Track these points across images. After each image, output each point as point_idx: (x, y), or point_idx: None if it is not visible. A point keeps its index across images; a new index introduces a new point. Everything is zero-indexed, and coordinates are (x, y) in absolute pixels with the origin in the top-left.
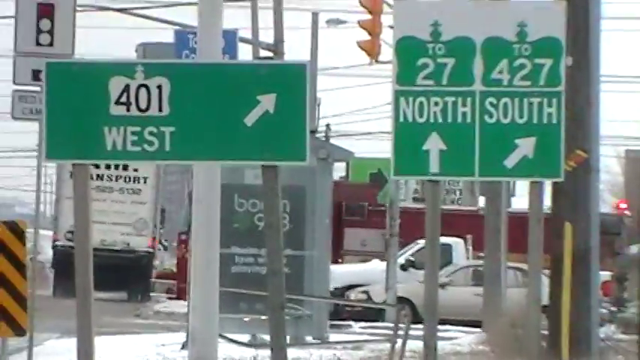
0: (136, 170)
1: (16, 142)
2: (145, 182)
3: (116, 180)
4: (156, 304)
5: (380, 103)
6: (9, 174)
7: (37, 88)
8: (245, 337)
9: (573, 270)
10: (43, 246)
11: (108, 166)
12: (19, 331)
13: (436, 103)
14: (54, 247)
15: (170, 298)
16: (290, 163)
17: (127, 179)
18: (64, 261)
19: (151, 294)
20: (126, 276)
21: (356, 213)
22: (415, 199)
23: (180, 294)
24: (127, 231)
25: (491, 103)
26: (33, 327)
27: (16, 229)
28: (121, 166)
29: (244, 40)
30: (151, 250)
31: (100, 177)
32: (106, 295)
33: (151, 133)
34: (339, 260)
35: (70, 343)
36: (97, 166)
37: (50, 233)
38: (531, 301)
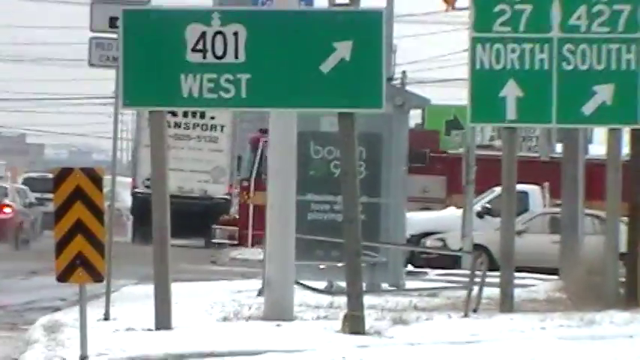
0: (212, 118)
1: (93, 89)
2: (221, 130)
3: (193, 128)
4: (232, 250)
5: (457, 50)
6: (86, 121)
7: (114, 35)
8: (321, 284)
9: None
10: (120, 193)
11: (185, 114)
12: (97, 277)
13: (513, 50)
14: (132, 194)
15: (232, 245)
16: (366, 111)
17: (204, 127)
18: (142, 208)
19: (212, 240)
20: (203, 223)
21: (417, 159)
22: (481, 147)
23: (242, 241)
24: (204, 178)
25: (569, 50)
26: (110, 273)
27: (93, 176)
28: (198, 114)
29: None
30: (227, 197)
31: (177, 125)
32: (183, 241)
33: (227, 80)
34: None
35: (148, 289)
36: (175, 114)
37: (127, 180)
38: (609, 249)
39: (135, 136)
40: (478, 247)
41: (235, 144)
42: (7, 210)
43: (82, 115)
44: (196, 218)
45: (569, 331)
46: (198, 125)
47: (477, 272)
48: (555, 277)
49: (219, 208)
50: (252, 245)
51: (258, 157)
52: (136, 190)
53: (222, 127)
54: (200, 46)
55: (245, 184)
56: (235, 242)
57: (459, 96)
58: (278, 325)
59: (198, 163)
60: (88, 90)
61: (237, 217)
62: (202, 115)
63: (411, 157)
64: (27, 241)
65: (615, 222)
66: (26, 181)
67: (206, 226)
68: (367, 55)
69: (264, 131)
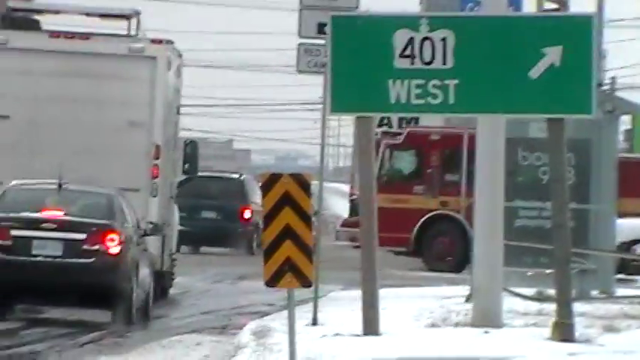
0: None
1: (300, 95)
2: None
3: None
4: None
5: None
6: (292, 127)
7: (322, 42)
8: (529, 291)
9: None
10: (326, 198)
11: (400, 127)
12: (305, 282)
13: None
14: (351, 200)
15: (355, 247)
16: (576, 116)
17: None
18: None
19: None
20: None
21: None
22: None
23: None
24: None
25: None
26: (318, 278)
27: (301, 182)
28: (412, 125)
29: None
30: None
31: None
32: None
33: (434, 86)
34: None
35: (355, 295)
36: (390, 126)
37: (334, 186)
38: None
39: (354, 143)
40: None
41: None
42: (246, 215)
43: (288, 120)
44: None
45: None
46: None
47: None
48: None
49: None
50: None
51: (379, 161)
52: (354, 196)
53: None
54: (408, 52)
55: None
56: (357, 244)
57: None
58: (486, 332)
59: None
60: (295, 96)
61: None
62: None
63: None
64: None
65: None
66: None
67: None
68: (577, 60)
69: (386, 134)
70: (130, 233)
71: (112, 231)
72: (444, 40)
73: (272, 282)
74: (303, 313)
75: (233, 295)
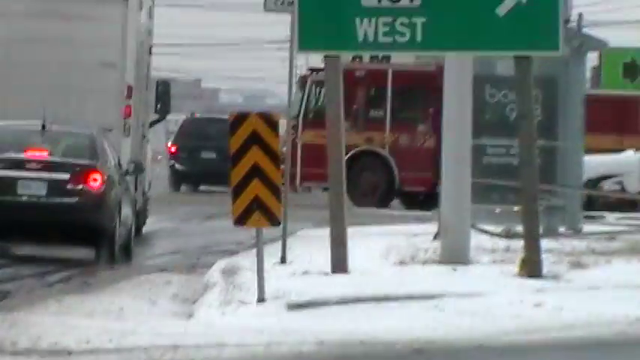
0: None
1: (267, 33)
2: None
3: None
4: None
5: None
6: (260, 66)
7: None
8: (497, 228)
9: None
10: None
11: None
12: (274, 221)
13: None
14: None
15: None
16: (543, 54)
17: None
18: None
19: None
20: None
21: None
22: None
23: (291, 180)
24: None
25: None
26: (287, 217)
27: (269, 120)
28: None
29: None
30: None
31: None
32: None
33: (402, 24)
34: None
35: (323, 233)
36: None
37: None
38: None
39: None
40: None
41: None
42: None
43: (257, 60)
44: None
45: None
46: None
47: None
48: None
49: None
50: (301, 184)
51: (305, 96)
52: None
53: None
54: None
55: (293, 122)
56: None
57: (637, 38)
58: (454, 269)
59: None
60: (263, 35)
61: None
62: None
63: None
64: None
65: None
66: None
67: None
68: None
69: (313, 70)
70: (113, 173)
71: (95, 171)
72: None
73: (240, 221)
74: (272, 252)
75: (202, 234)
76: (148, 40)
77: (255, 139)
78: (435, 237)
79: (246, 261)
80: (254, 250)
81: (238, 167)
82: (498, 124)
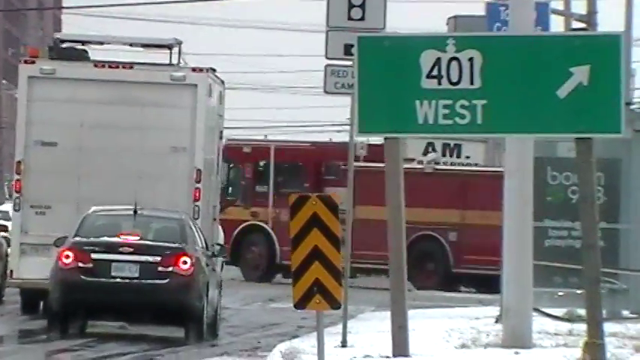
0: (468, 157)
1: (327, 116)
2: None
3: (450, 166)
4: None
5: None
6: None
7: (349, 63)
8: (559, 311)
9: None
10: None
11: (444, 154)
12: (334, 304)
13: None
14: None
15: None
16: (604, 135)
17: (461, 166)
18: None
19: None
20: None
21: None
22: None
23: None
24: None
25: None
26: (347, 300)
27: (329, 203)
28: (455, 154)
29: (556, 12)
30: None
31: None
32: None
33: (462, 106)
34: None
35: (384, 316)
36: (435, 151)
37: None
38: None
39: None
40: None
41: None
42: None
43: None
44: None
45: None
46: (454, 164)
47: None
48: None
49: None
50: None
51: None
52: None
53: (476, 165)
54: (435, 72)
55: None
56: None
57: None
58: (517, 353)
59: None
60: (322, 117)
61: None
62: (459, 155)
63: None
64: None
65: None
66: None
67: None
68: (605, 79)
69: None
70: (200, 255)
71: (185, 254)
72: (471, 60)
73: (301, 304)
74: (333, 335)
75: (263, 316)
76: (218, 125)
77: (315, 221)
78: (497, 320)
79: (306, 344)
80: (314, 333)
81: (299, 250)
82: (560, 207)
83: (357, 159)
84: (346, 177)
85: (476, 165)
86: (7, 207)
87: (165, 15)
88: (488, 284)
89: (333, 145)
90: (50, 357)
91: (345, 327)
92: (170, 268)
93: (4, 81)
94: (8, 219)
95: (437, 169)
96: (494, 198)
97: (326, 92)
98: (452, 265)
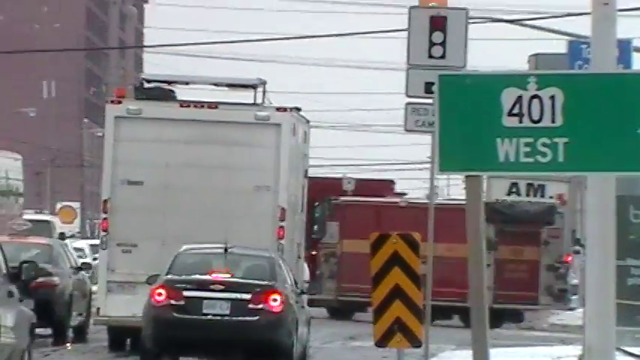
0: (551, 197)
1: (408, 154)
2: None
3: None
4: (550, 316)
5: None
6: (402, 187)
7: (429, 101)
8: None
9: None
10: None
11: (528, 194)
12: (415, 342)
13: None
14: None
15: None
16: None
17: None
18: None
19: None
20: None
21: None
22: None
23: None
24: None
25: None
26: (428, 338)
27: (410, 241)
28: (539, 194)
29: (639, 50)
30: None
31: None
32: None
33: (543, 145)
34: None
35: (465, 354)
36: (518, 194)
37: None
38: None
39: None
40: None
41: (572, 219)
42: None
43: (398, 180)
44: None
45: None
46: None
47: None
48: None
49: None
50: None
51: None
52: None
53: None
54: (516, 110)
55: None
56: None
57: None
58: None
59: None
60: (404, 156)
61: None
62: (542, 195)
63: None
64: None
65: None
66: None
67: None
68: None
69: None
70: (290, 292)
71: (275, 291)
72: (552, 98)
73: (382, 342)
74: None
75: (345, 354)
76: (302, 164)
77: (396, 260)
78: (580, 359)
79: None
80: None
81: (380, 288)
82: None
83: (344, 193)
84: (335, 211)
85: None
86: (82, 243)
87: (249, 54)
88: (462, 315)
89: (322, 180)
90: None
91: None
92: (260, 306)
93: (85, 120)
94: (83, 256)
95: (410, 203)
96: (459, 230)
97: (407, 130)
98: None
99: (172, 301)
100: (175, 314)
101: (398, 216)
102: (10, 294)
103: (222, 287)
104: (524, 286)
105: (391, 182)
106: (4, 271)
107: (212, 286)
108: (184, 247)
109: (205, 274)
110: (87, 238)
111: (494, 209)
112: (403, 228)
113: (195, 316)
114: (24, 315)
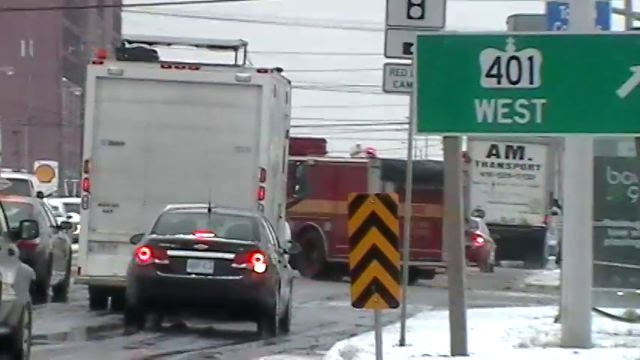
0: (530, 159)
1: (386, 115)
2: (537, 169)
3: (514, 168)
4: (527, 277)
5: None
6: (379, 147)
7: (408, 62)
8: (619, 311)
9: None
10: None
11: (507, 156)
12: (393, 303)
13: None
14: None
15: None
16: None
17: (523, 167)
18: None
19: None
20: (522, 248)
21: None
22: None
23: None
24: (523, 209)
25: None
26: (405, 299)
27: (388, 202)
28: (518, 156)
29: (617, 11)
30: (544, 225)
31: (500, 165)
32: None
33: (521, 106)
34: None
35: (443, 315)
36: (498, 156)
37: None
38: None
39: None
40: None
41: (550, 180)
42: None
43: (374, 141)
44: (517, 243)
45: None
46: (518, 165)
47: None
48: None
49: (537, 234)
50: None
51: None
52: None
53: (539, 166)
54: (495, 71)
55: None
56: None
57: None
58: (576, 353)
59: (518, 196)
60: (382, 116)
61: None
62: (522, 157)
63: None
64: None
65: None
66: None
67: (525, 250)
68: None
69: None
70: (273, 252)
71: (258, 251)
72: (530, 59)
73: (359, 303)
74: (391, 333)
75: (321, 315)
76: (284, 125)
77: (373, 220)
78: (556, 320)
79: (364, 343)
80: (373, 332)
81: (357, 249)
82: (620, 206)
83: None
84: (290, 172)
85: (538, 167)
86: (57, 202)
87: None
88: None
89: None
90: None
91: (403, 326)
92: (243, 265)
93: (64, 79)
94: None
95: (316, 161)
96: (362, 188)
97: (385, 91)
98: (326, 254)
99: (156, 260)
100: (159, 273)
101: (308, 176)
102: (11, 252)
103: (205, 247)
104: (427, 244)
105: (323, 141)
106: (5, 230)
107: (196, 246)
108: (168, 206)
109: (189, 233)
110: (64, 196)
111: (393, 167)
112: (312, 188)
113: (179, 275)
114: (24, 272)
